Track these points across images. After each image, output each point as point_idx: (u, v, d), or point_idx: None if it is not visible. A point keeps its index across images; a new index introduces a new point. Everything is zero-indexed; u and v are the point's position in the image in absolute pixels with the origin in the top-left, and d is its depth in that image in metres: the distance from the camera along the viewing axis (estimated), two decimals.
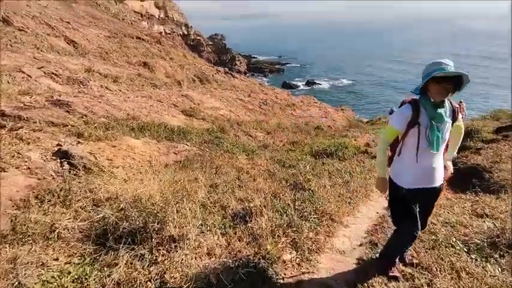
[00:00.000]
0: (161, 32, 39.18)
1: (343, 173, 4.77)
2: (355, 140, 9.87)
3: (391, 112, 2.30)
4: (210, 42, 57.02)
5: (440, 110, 2.01)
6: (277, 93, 19.41)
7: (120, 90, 8.65)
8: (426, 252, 2.69)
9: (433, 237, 2.93)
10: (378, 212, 3.71)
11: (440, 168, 2.17)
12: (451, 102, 2.12)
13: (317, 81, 50.41)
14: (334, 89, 47.62)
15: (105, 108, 6.04)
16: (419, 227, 2.20)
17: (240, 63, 57.03)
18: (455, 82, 1.95)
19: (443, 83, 1.92)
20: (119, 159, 3.79)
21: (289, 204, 3.25)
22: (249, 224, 2.80)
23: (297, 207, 3.26)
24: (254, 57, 73.91)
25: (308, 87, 48.09)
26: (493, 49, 72.94)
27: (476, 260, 2.61)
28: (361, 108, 36.85)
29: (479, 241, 2.83)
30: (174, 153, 4.74)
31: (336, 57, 73.70)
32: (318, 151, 6.29)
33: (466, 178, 5.41)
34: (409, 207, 2.16)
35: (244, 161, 4.91)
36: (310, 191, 3.70)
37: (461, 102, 17.49)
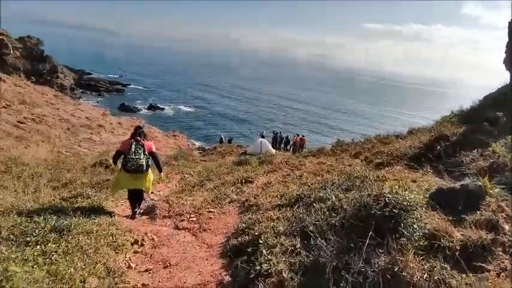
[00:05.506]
0: None
1: None
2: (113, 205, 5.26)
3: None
4: (20, 45, 43.90)
5: None
6: (81, 109, 14.22)
7: None
8: None
9: None
10: None
11: None
12: None
13: (160, 106, 46.46)
14: (178, 115, 44.77)
15: None
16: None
17: (65, 76, 46.27)
18: None
19: None
20: None
21: None
22: None
23: None
24: (89, 73, 63.01)
25: (151, 112, 43.38)
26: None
27: None
28: (202, 135, 35.15)
29: None
30: None
31: (184, 84, 72.34)
32: None
33: None
34: None
35: None
36: None
37: (303, 136, 17.21)
